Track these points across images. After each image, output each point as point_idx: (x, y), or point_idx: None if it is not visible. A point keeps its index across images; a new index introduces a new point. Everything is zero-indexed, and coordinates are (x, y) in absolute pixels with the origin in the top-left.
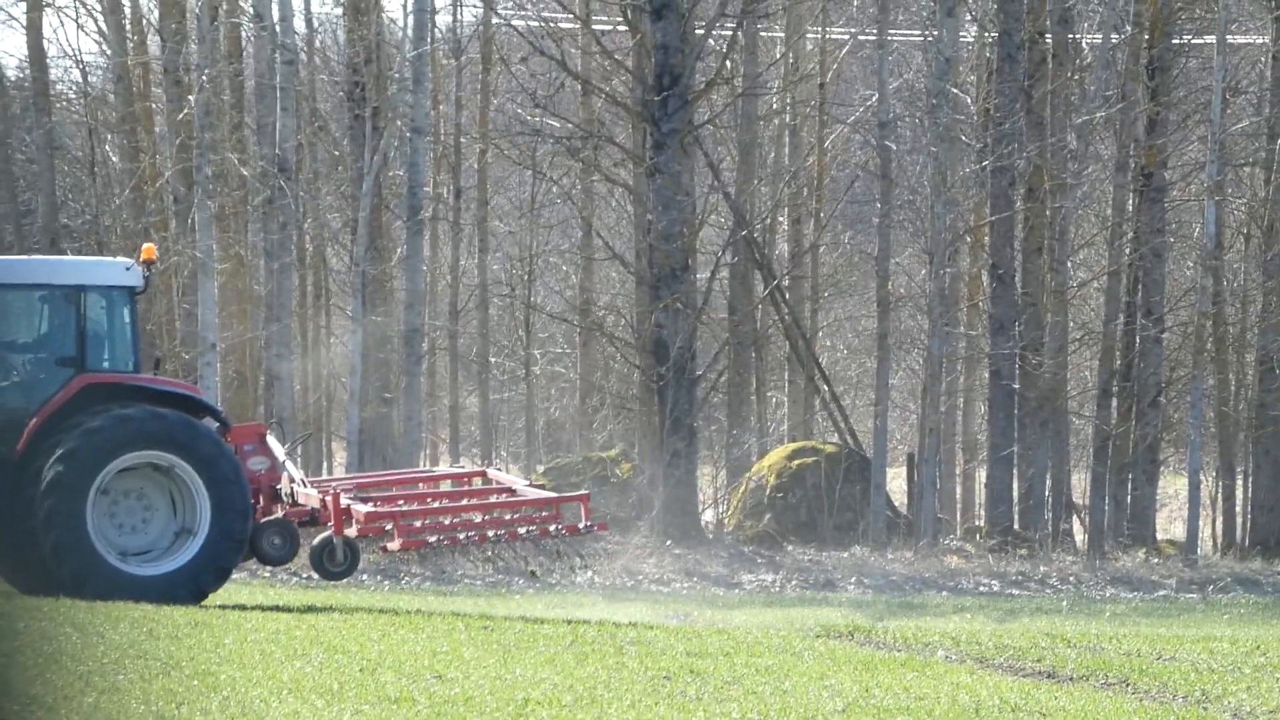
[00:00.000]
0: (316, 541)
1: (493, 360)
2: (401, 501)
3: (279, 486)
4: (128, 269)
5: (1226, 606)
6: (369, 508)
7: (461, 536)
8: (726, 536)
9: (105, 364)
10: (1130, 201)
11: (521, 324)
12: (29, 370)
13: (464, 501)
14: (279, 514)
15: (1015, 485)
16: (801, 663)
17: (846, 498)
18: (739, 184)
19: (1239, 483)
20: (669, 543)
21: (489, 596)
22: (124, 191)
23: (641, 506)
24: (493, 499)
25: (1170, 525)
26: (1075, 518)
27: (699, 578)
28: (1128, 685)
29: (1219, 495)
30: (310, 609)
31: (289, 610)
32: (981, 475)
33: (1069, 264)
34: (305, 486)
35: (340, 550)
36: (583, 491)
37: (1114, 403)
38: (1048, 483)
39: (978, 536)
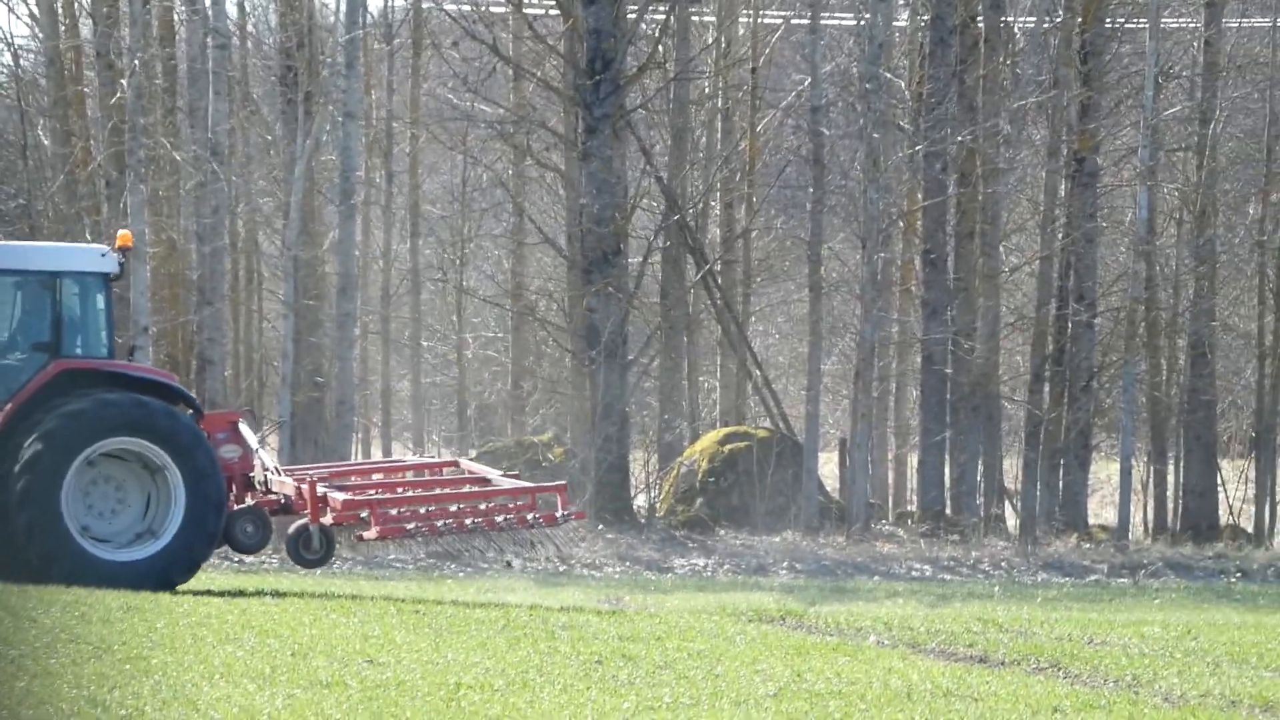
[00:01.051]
0: (293, 530)
1: (425, 344)
2: (377, 490)
3: (252, 475)
4: (103, 255)
5: (1158, 591)
6: (346, 496)
7: (439, 525)
8: (659, 521)
9: (80, 350)
10: (1063, 187)
11: (454, 308)
12: (3, 355)
13: (440, 490)
14: (251, 502)
15: (947, 470)
16: (733, 647)
17: (779, 483)
18: (671, 168)
19: (1170, 468)
20: (601, 527)
21: (421, 581)
22: (56, 176)
23: (574, 491)
24: (468, 488)
25: (1102, 510)
26: (1007, 503)
27: (631, 562)
28: (1059, 669)
29: (1150, 480)
30: (241, 593)
31: (221, 594)
32: (914, 460)
33: (1001, 249)
34: (279, 475)
35: (317, 538)
36: (559, 481)
37: (1046, 388)
38: (980, 468)
39: (910, 521)
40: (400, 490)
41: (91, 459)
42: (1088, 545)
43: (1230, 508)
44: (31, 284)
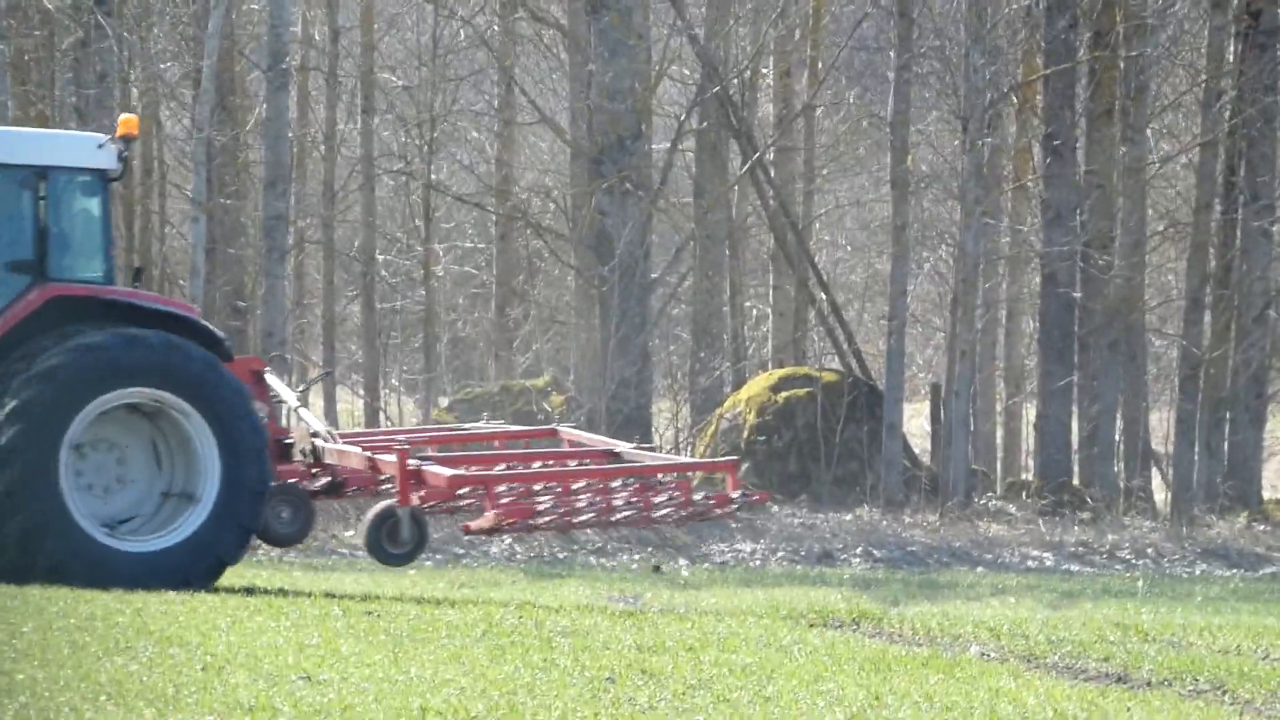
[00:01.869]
0: (373, 515)
1: (381, 258)
2: (484, 466)
3: (289, 441)
4: (100, 146)
5: None
6: (454, 471)
7: (585, 511)
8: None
9: (69, 272)
10: (1231, 48)
11: (419, 210)
12: None
13: (577, 466)
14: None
15: (1075, 427)
16: (790, 660)
17: (850, 442)
18: (710, 24)
19: None
20: None
21: (373, 572)
22: None
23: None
24: (606, 464)
25: None
26: (1155, 470)
27: (654, 548)
28: (1224, 692)
29: None
30: (134, 589)
31: (109, 590)
32: (1030, 414)
33: (1149, 133)
34: (334, 441)
35: (407, 527)
36: (730, 457)
37: (1207, 318)
38: (1118, 424)
39: (1025, 494)
40: (513, 465)
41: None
42: (1262, 527)
43: None
44: (8, 182)
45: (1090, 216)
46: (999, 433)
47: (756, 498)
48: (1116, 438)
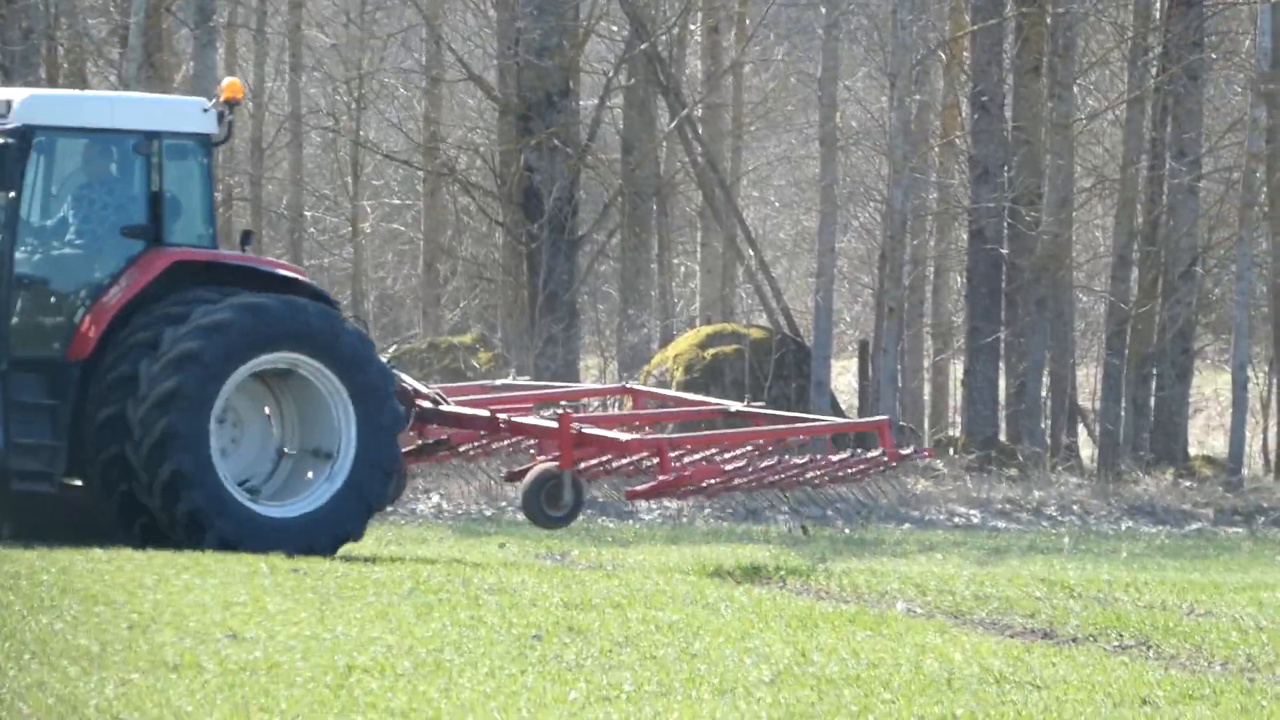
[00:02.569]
0: (534, 477)
1: (309, 214)
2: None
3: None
4: (204, 110)
5: None
6: (631, 435)
7: (775, 473)
8: None
9: (179, 236)
10: (1158, 5)
11: (348, 167)
12: (84, 243)
13: (744, 429)
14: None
15: (1003, 384)
16: (717, 617)
17: (778, 399)
18: None
19: None
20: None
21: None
22: None
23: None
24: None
25: (1208, 437)
26: (1082, 427)
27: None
28: (1149, 648)
29: (1273, 397)
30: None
31: (33, 548)
32: (958, 370)
33: (1076, 89)
34: (445, 402)
35: (569, 489)
36: (882, 417)
37: (1134, 274)
38: (1045, 380)
39: (952, 451)
40: (639, 427)
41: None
42: (1188, 483)
43: None
44: (120, 147)
45: (1018, 173)
46: (926, 389)
47: (925, 453)
48: (1044, 394)
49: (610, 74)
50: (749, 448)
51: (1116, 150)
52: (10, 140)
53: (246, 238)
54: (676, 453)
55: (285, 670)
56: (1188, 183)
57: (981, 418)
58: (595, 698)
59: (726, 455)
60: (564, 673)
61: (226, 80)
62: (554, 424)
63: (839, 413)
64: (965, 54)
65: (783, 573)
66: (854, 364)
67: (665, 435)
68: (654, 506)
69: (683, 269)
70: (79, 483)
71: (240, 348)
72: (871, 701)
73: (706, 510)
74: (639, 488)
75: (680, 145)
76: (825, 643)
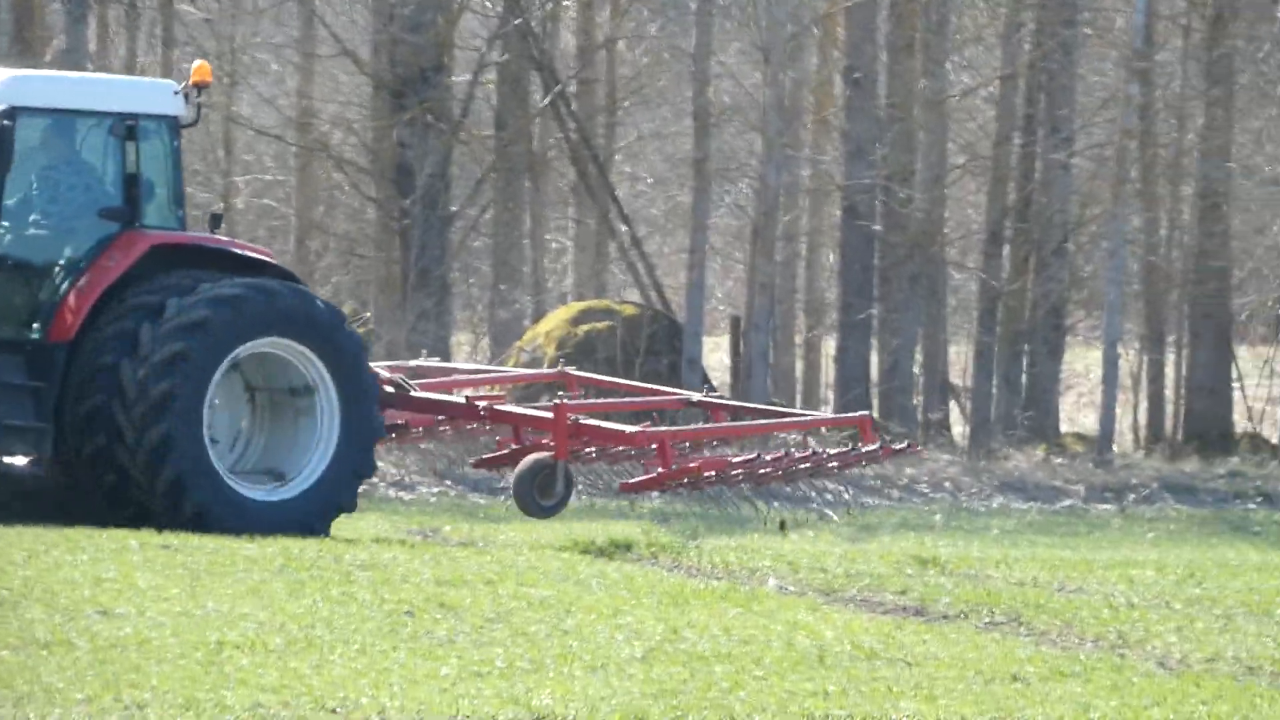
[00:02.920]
0: (526, 466)
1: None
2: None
3: None
4: (174, 93)
5: (1152, 522)
6: (635, 427)
7: (775, 467)
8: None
9: (152, 219)
10: None
11: (220, 141)
12: (61, 225)
13: (736, 422)
14: None
15: (875, 360)
16: (588, 594)
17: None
18: None
19: (1170, 358)
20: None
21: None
22: None
23: None
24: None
25: (1079, 414)
26: (954, 403)
27: (452, 481)
28: (1021, 625)
29: (1144, 374)
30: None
31: None
32: (830, 346)
33: (949, 66)
34: (414, 388)
35: (561, 479)
36: (863, 413)
37: (1006, 251)
38: (917, 357)
39: (825, 428)
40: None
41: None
42: (1059, 460)
43: (1249, 410)
44: (97, 129)
45: (891, 150)
46: (799, 366)
47: (911, 448)
48: (916, 371)
49: (484, 49)
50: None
51: (990, 127)
52: (4, 121)
53: (216, 220)
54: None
55: (156, 646)
56: (1061, 159)
57: (854, 395)
58: (467, 674)
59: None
60: (436, 649)
61: (196, 63)
62: (548, 414)
63: (713, 390)
64: (839, 30)
65: (654, 549)
66: (726, 340)
67: (668, 428)
68: None
69: (555, 245)
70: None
71: (225, 339)
72: (743, 678)
73: (579, 486)
74: (635, 480)
75: (554, 121)
76: (697, 619)
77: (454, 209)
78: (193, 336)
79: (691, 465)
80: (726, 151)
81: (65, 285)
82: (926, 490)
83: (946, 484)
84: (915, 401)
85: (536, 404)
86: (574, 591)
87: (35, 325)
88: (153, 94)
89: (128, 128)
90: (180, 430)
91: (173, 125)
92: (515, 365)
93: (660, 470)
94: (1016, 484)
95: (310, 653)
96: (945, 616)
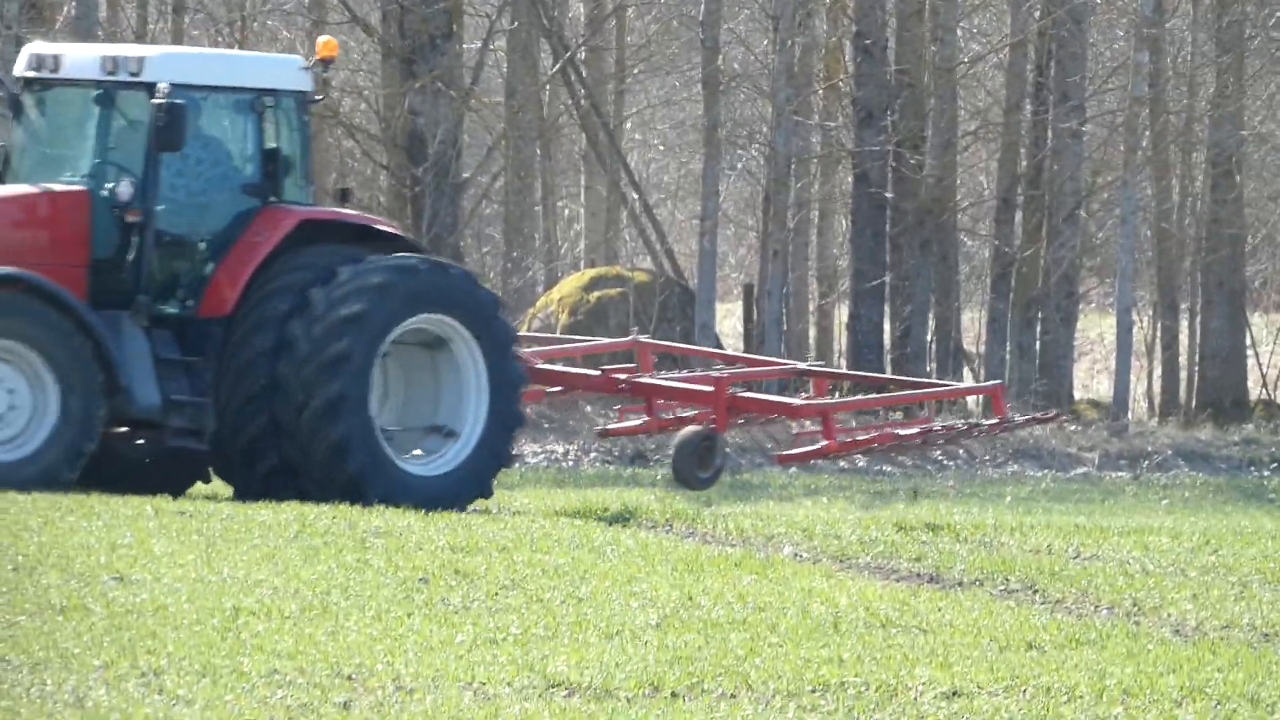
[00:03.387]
0: (686, 438)
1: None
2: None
3: None
4: (303, 69)
5: (1166, 489)
6: (798, 399)
7: (903, 433)
8: None
9: (288, 195)
10: None
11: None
12: (208, 201)
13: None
14: None
15: (887, 327)
16: (603, 561)
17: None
18: None
19: (1184, 325)
20: None
21: None
22: None
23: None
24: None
25: (1093, 380)
26: (966, 370)
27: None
28: (1035, 592)
29: (1158, 341)
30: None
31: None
32: (843, 313)
33: (959, 32)
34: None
35: (720, 452)
36: (995, 382)
37: (1018, 218)
38: (930, 323)
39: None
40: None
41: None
42: (1073, 427)
43: (1263, 377)
44: (239, 105)
45: (901, 116)
46: (812, 332)
47: (1055, 417)
48: (929, 338)
49: (493, 17)
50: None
51: (1000, 94)
52: (175, 100)
53: (344, 195)
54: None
55: (172, 613)
56: (1071, 127)
57: (867, 361)
58: (482, 640)
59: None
60: (450, 616)
61: (321, 39)
62: (709, 388)
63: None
64: None
65: (669, 516)
66: (739, 307)
67: (830, 400)
68: (540, 450)
69: (567, 212)
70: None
71: (398, 309)
72: (758, 645)
73: (593, 454)
74: (793, 452)
75: (564, 89)
76: (711, 587)
77: (465, 176)
78: (373, 299)
79: (861, 438)
80: (736, 118)
81: (215, 261)
82: (941, 457)
83: (961, 452)
84: (929, 368)
85: (689, 376)
86: (589, 559)
87: (189, 301)
88: (285, 70)
89: (265, 104)
90: (352, 391)
91: (302, 101)
92: (527, 331)
93: (826, 442)
94: (1031, 451)
95: (325, 619)
96: (960, 584)
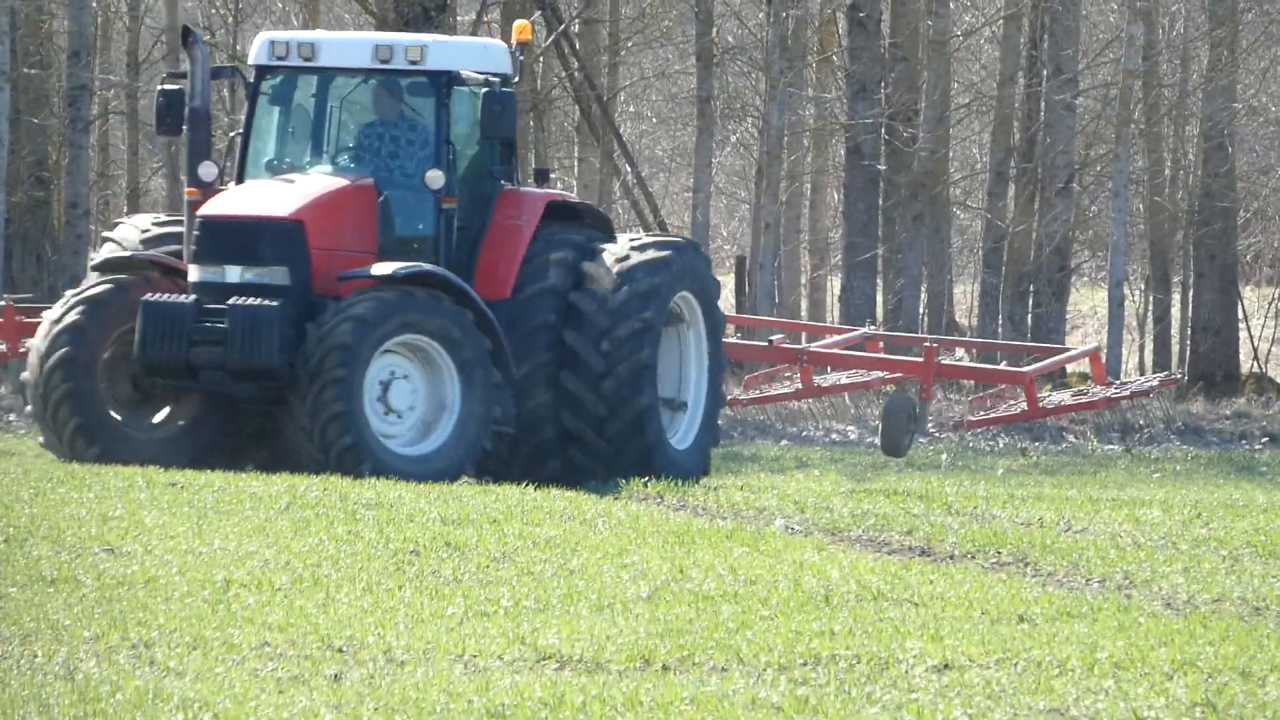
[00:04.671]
0: (898, 408)
1: (185, 129)
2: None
3: None
4: (510, 53)
5: (1158, 462)
6: (999, 366)
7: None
8: None
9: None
10: None
11: (225, 81)
12: (464, 186)
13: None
14: None
15: (880, 299)
16: (594, 533)
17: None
18: None
19: (1176, 298)
20: None
21: None
22: None
23: None
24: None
25: None
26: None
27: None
28: (1027, 565)
29: (1149, 314)
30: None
31: None
32: (835, 285)
33: (953, 5)
34: None
35: (924, 420)
36: (1093, 346)
37: (1011, 191)
38: (923, 296)
39: (830, 367)
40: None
41: None
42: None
43: (1255, 350)
44: (485, 91)
45: (895, 89)
46: (804, 305)
47: (1165, 382)
48: (921, 310)
49: None
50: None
51: (993, 67)
52: (505, 89)
53: (543, 175)
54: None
55: (163, 584)
56: (1065, 100)
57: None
58: (473, 613)
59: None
60: (442, 588)
61: (517, 23)
62: (919, 360)
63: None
64: None
65: (660, 489)
66: (731, 279)
67: (1028, 368)
68: None
69: (559, 184)
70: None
71: (674, 284)
72: (749, 618)
73: None
74: (980, 417)
75: (557, 60)
76: (703, 559)
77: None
78: (661, 274)
79: (1052, 407)
80: (730, 91)
81: (476, 244)
82: (933, 431)
83: (952, 424)
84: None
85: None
86: (580, 531)
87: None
88: (498, 55)
89: (501, 89)
90: (653, 360)
91: (508, 84)
92: None
93: (1026, 408)
94: (1022, 424)
95: (316, 591)
96: (951, 557)
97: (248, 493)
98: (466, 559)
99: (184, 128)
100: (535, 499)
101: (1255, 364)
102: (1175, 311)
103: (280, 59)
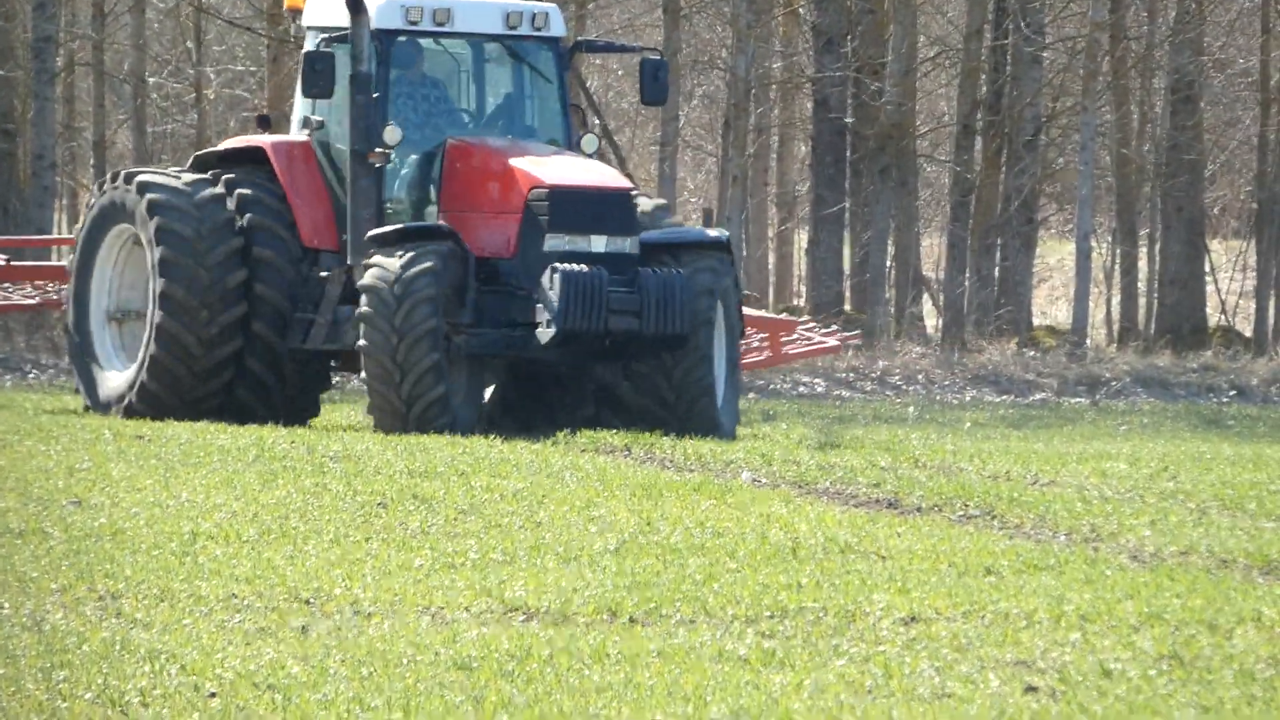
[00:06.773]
0: None
1: (151, 80)
2: None
3: None
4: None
5: (1125, 415)
6: None
7: None
8: None
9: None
10: None
11: (190, 33)
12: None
13: None
14: None
15: (847, 253)
16: (561, 486)
17: None
18: None
19: (1143, 251)
20: None
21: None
22: None
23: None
24: None
25: (1051, 307)
26: (926, 296)
27: None
28: (993, 518)
29: (1116, 268)
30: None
31: None
32: (802, 239)
33: None
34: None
35: None
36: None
37: (978, 144)
38: (889, 249)
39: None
40: None
41: None
42: (1032, 353)
43: (1222, 304)
44: (557, 57)
45: (861, 42)
46: (771, 258)
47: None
48: (888, 263)
49: None
50: None
51: (960, 20)
52: (659, 58)
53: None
54: None
55: (130, 536)
56: (1031, 52)
57: (826, 287)
58: (440, 565)
59: None
60: (409, 540)
61: None
62: None
63: None
64: None
65: (628, 441)
66: None
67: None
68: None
69: None
70: None
71: None
72: (717, 570)
73: None
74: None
75: None
76: (670, 512)
77: None
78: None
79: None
80: (697, 44)
81: None
82: (900, 383)
83: (920, 376)
84: (888, 294)
85: None
86: (547, 484)
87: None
88: (555, 19)
89: (571, 54)
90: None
91: (562, 48)
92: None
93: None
94: (990, 377)
95: (284, 543)
96: (919, 509)
97: (215, 445)
98: (434, 511)
99: (334, 90)
100: (502, 452)
101: (1223, 317)
102: (1142, 265)
103: (413, 24)
